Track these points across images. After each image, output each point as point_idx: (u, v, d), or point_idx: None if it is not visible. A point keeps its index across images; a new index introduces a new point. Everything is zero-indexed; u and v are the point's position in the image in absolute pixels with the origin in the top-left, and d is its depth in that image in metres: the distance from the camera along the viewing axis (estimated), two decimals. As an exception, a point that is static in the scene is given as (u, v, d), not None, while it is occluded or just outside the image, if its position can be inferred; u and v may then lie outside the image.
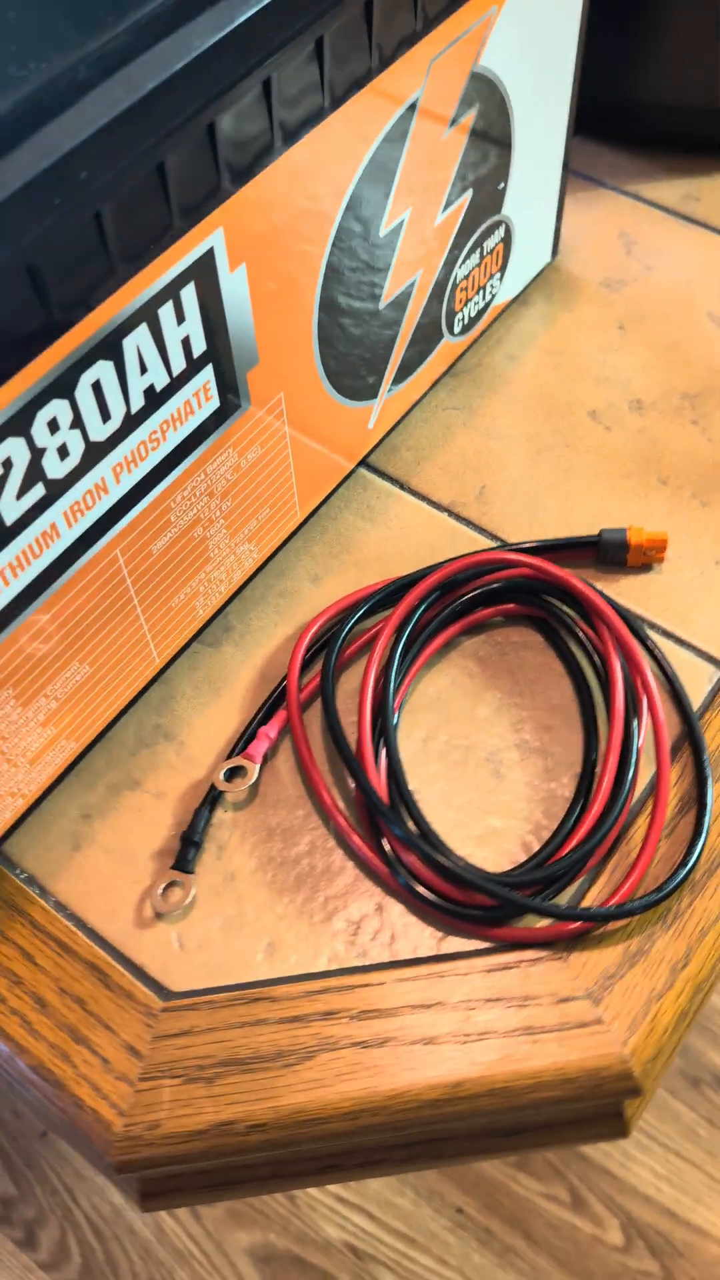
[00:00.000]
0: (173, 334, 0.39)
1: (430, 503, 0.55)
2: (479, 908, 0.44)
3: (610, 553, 0.52)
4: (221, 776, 0.48)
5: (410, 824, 0.45)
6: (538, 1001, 0.43)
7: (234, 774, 0.49)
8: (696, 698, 0.49)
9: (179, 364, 0.41)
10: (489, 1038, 0.42)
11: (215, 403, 0.44)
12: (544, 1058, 0.42)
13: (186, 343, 0.40)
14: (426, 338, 0.55)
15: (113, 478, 0.41)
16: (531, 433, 0.57)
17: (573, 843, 0.45)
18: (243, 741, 0.49)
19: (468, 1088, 0.42)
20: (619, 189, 0.68)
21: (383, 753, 0.47)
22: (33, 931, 0.45)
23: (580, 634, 0.50)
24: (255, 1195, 0.63)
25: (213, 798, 0.48)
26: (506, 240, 0.57)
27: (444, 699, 0.50)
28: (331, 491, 0.55)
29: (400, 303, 0.51)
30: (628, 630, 0.48)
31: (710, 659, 0.50)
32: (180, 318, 0.39)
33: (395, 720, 0.48)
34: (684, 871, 0.44)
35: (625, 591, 0.52)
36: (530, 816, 0.47)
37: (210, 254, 0.39)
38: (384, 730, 0.47)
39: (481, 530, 0.54)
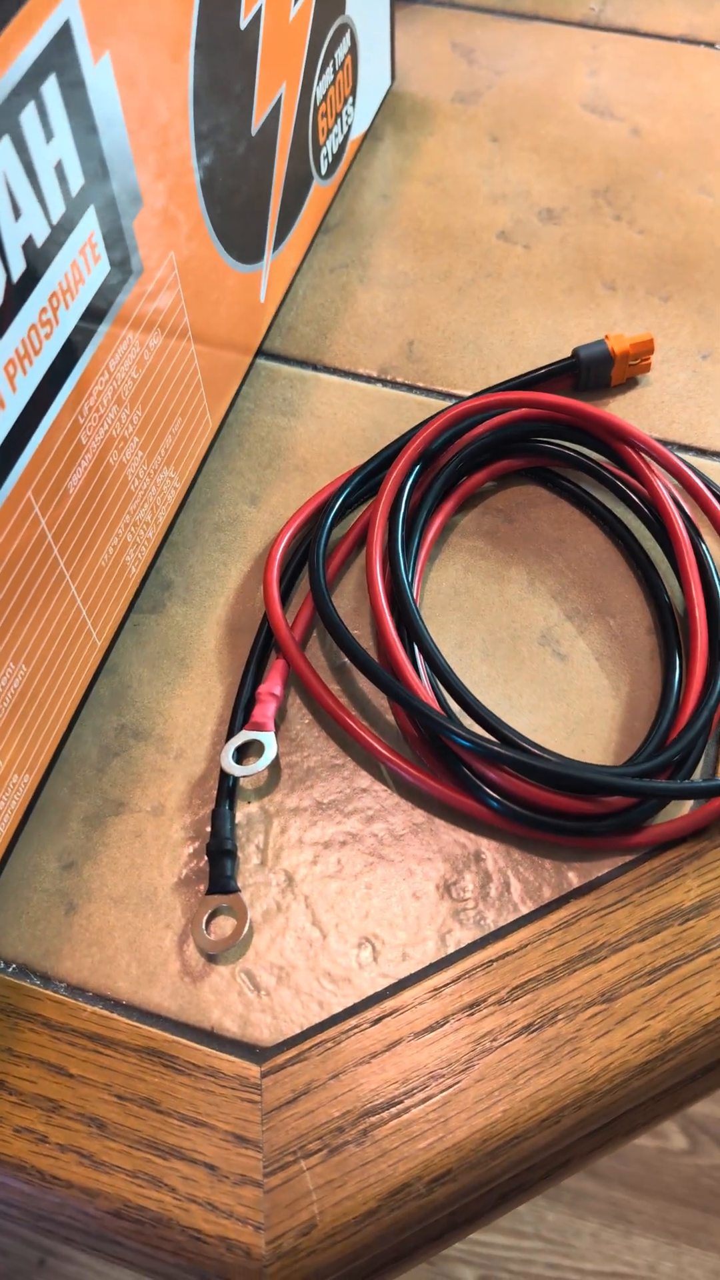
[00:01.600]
0: (43, 157, 0.28)
1: (355, 376, 0.45)
2: (606, 816, 0.35)
3: (592, 372, 0.43)
4: (229, 759, 0.37)
5: (483, 734, 0.36)
6: None
7: (244, 752, 0.38)
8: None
9: (57, 205, 0.29)
10: (698, 961, 0.33)
11: (105, 264, 0.32)
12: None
13: (61, 171, 0.29)
14: (298, 182, 0.45)
15: (7, 384, 0.29)
16: (443, 270, 0.48)
17: (689, 706, 0.36)
18: (240, 711, 0.38)
19: (677, 1035, 0.33)
20: (434, 1, 0.59)
21: (420, 662, 0.37)
22: (51, 1036, 0.33)
23: (597, 469, 0.41)
24: (433, 1256, 0.52)
25: (228, 790, 0.37)
26: (353, 52, 0.47)
27: (463, 592, 0.40)
28: (237, 392, 0.44)
29: (269, 130, 0.41)
30: (658, 444, 0.40)
31: (739, 463, 0.42)
32: (48, 132, 0.28)
33: (421, 618, 0.38)
34: None
35: (620, 413, 0.44)
36: (618, 690, 0.38)
37: (68, 30, 0.27)
38: (414, 632, 0.37)
39: (427, 391, 0.45)
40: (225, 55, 0.36)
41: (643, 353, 0.43)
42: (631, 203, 0.50)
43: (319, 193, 0.47)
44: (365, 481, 0.41)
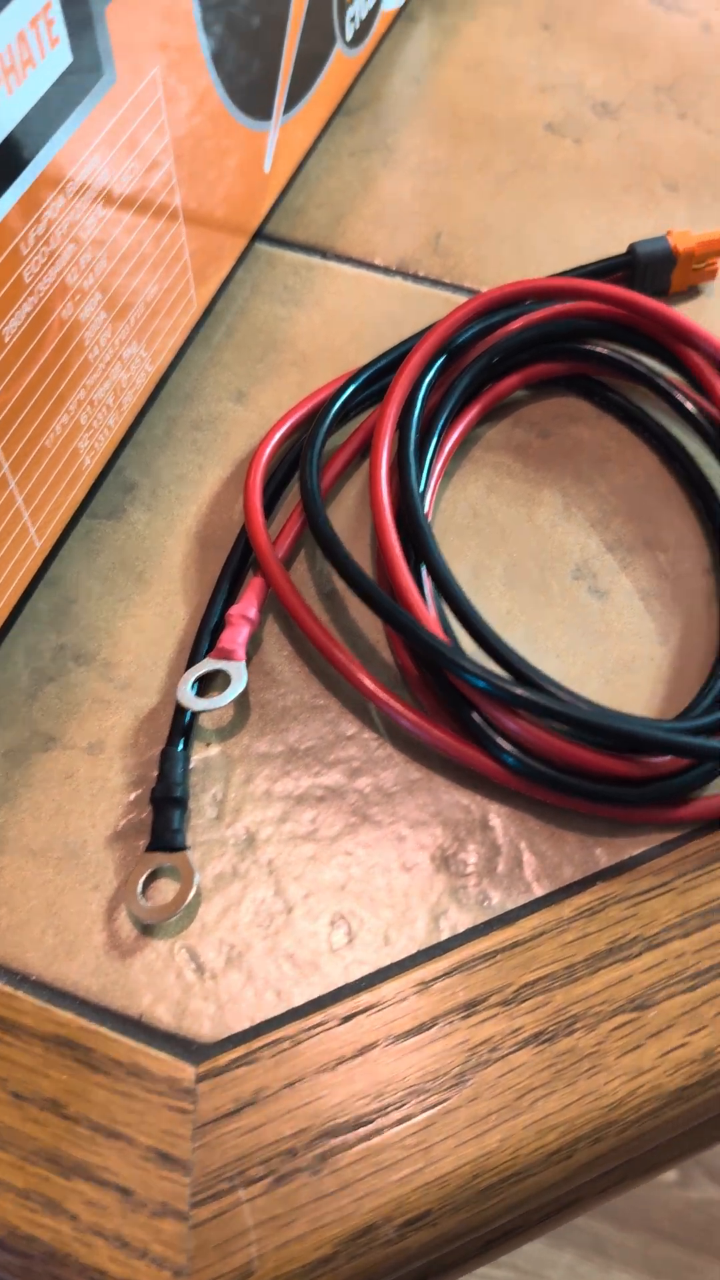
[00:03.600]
0: None
1: (371, 267, 0.39)
2: (648, 781, 0.28)
3: (649, 274, 0.37)
4: (188, 691, 0.30)
5: (499, 672, 0.29)
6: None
7: (207, 684, 0.31)
8: None
9: (-7, -65, 0.23)
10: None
11: (65, 53, 0.26)
12: None
13: None
14: (319, 37, 0.38)
15: None
16: (480, 160, 0.42)
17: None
18: (207, 636, 0.31)
19: (725, 1059, 0.26)
20: None
21: (428, 586, 0.31)
22: (-60, 1011, 0.27)
23: (654, 380, 0.34)
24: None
25: (184, 727, 0.30)
26: None
27: (484, 514, 0.34)
28: (230, 274, 0.38)
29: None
30: (726, 350, 0.33)
31: None
32: None
33: (432, 534, 0.31)
34: None
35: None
36: (666, 636, 0.31)
37: None
38: (423, 552, 0.30)
39: (455, 288, 0.38)
40: None
41: (711, 254, 0.37)
42: (699, 101, 0.43)
43: (341, 62, 0.41)
44: (373, 381, 0.35)
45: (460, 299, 0.38)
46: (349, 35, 0.41)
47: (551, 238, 0.39)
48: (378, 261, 0.39)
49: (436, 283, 0.38)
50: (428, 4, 0.47)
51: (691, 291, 0.38)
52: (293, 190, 0.41)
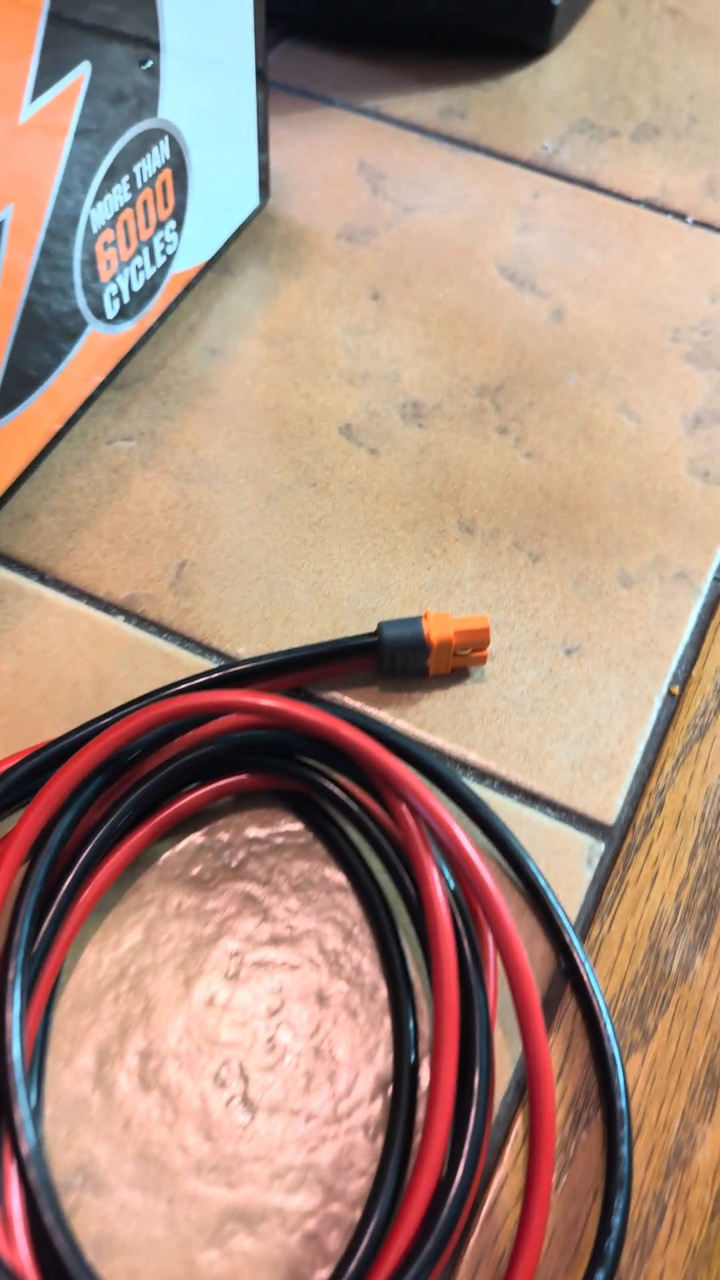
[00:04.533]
0: None
1: (92, 600, 0.33)
2: None
3: (398, 661, 0.31)
4: None
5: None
6: None
7: None
8: (572, 901, 0.28)
9: None
10: None
11: None
12: None
13: None
14: (57, 325, 0.33)
15: None
16: (255, 467, 0.36)
17: (400, 1238, 0.23)
18: None
19: None
20: (353, 106, 0.47)
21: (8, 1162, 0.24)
22: None
23: (362, 815, 0.28)
24: None
25: None
26: (178, 164, 0.35)
27: (129, 973, 0.27)
28: None
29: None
30: (436, 806, 0.27)
31: (584, 823, 0.30)
32: None
33: (22, 1076, 0.25)
34: (608, 1247, 0.24)
35: (431, 719, 0.31)
36: (324, 1179, 0.25)
37: None
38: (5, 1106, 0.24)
39: (183, 640, 0.32)
40: None
41: (471, 643, 0.31)
42: (526, 412, 0.38)
43: (101, 341, 0.35)
44: (36, 775, 0.29)
45: (186, 657, 0.32)
46: (110, 313, 0.35)
47: (310, 585, 0.33)
48: (101, 593, 0.33)
49: (164, 630, 0.32)
50: (249, 253, 0.41)
51: (459, 673, 0.32)
52: (27, 486, 0.35)
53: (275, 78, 0.48)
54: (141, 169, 0.34)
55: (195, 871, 0.29)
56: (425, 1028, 0.26)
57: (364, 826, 0.28)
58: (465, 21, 0.48)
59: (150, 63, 0.32)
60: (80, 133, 0.31)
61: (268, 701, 0.27)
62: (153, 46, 0.32)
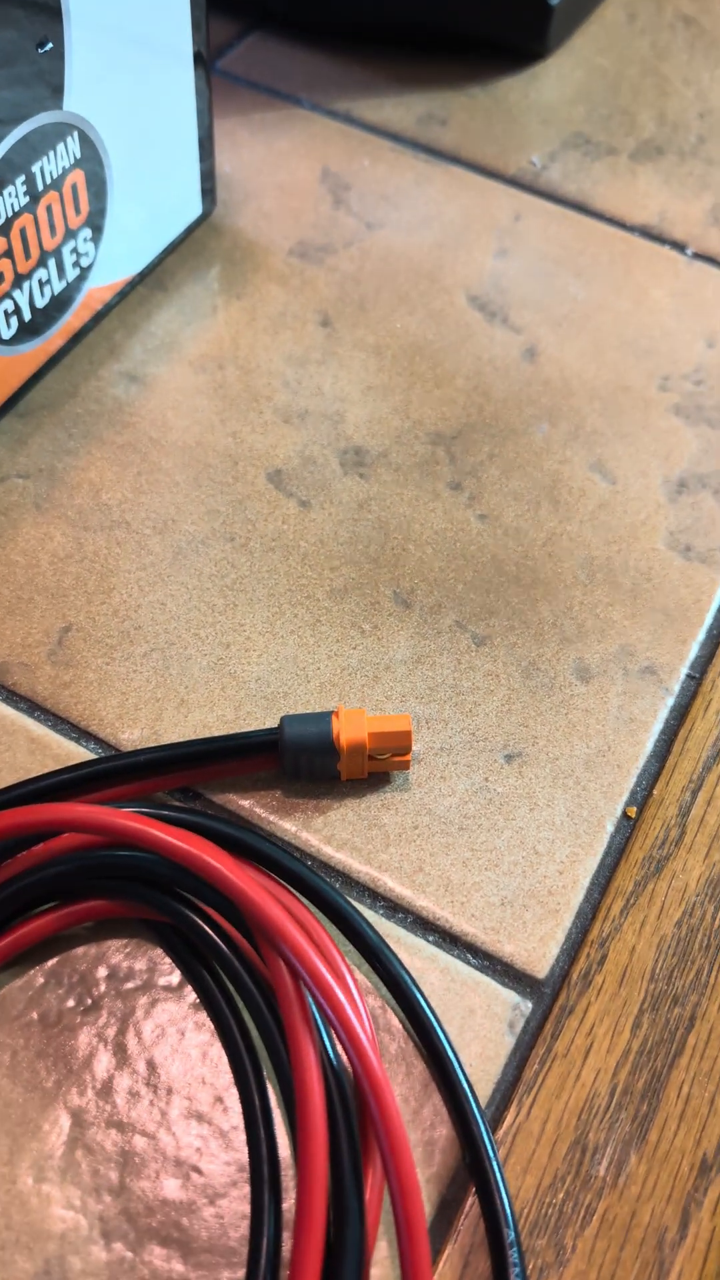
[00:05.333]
0: None
1: (-39, 668, 0.28)
2: None
3: (302, 763, 0.26)
4: None
5: None
6: None
7: None
8: (487, 1075, 0.23)
9: None
10: None
11: None
12: None
13: None
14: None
15: None
16: (165, 515, 0.31)
17: None
18: None
19: None
20: (322, 107, 0.42)
21: None
22: None
23: (234, 960, 0.24)
24: None
25: None
26: (93, 165, 0.31)
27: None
28: None
29: None
30: (318, 968, 0.22)
31: (510, 975, 0.25)
32: None
33: None
34: None
35: (340, 833, 0.26)
36: None
37: None
38: None
39: (58, 722, 0.28)
40: None
41: (390, 748, 0.26)
42: (485, 466, 0.33)
43: (-4, 363, 0.31)
44: None
45: (58, 742, 0.27)
46: (6, 332, 0.31)
47: (214, 661, 0.29)
48: (-31, 660, 0.28)
49: (35, 707, 0.28)
50: (187, 267, 0.37)
51: (378, 779, 0.27)
52: None
53: (239, 72, 0.43)
54: (43, 169, 0.29)
55: (37, 1013, 0.24)
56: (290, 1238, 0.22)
57: (235, 975, 0.23)
58: (453, 20, 0.43)
59: (50, 45, 0.27)
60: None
61: (121, 820, 0.22)
62: (53, 15, 0.27)
